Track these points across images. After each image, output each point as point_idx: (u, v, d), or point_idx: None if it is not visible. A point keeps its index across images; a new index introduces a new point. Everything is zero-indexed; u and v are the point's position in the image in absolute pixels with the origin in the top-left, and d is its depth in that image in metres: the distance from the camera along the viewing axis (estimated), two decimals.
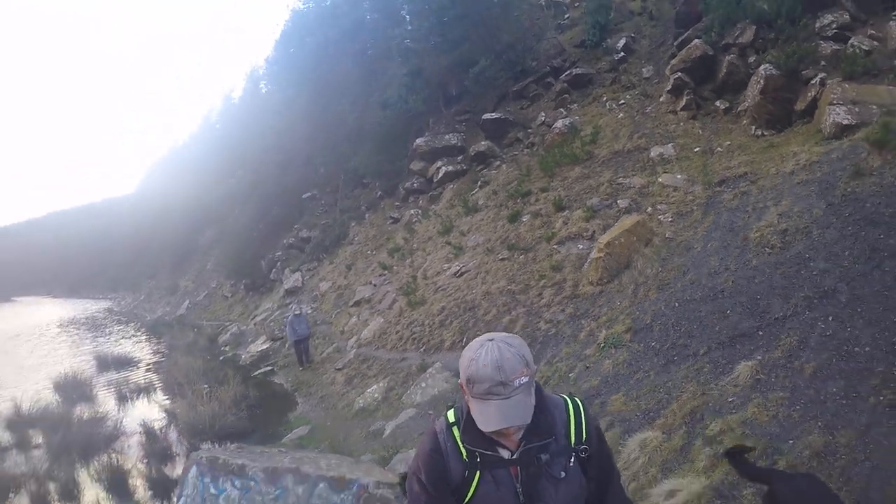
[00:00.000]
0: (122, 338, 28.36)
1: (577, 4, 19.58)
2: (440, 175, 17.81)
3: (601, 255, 8.12)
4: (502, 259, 11.00)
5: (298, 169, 27.36)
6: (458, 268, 12.28)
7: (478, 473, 1.53)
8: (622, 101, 14.11)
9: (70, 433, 9.75)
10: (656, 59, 14.94)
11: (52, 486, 8.14)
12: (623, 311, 7.04)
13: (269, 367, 15.66)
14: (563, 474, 1.54)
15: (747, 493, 3.43)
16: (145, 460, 8.95)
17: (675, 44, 13.52)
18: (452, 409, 1.62)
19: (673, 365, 5.45)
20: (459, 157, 17.72)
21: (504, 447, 1.53)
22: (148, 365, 18.91)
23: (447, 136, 18.30)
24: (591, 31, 16.76)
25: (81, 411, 11.67)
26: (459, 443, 1.55)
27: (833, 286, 5.22)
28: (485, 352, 1.43)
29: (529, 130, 16.16)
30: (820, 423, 3.74)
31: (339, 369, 12.06)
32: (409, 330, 11.20)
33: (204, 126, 67.48)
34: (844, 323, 4.67)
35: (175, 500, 5.50)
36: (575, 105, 15.57)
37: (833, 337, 4.60)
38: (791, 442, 3.72)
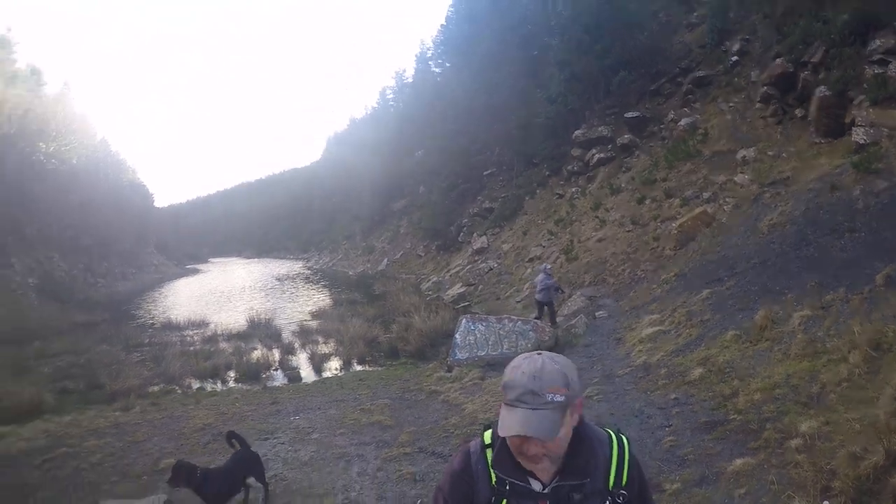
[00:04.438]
0: (340, 288, 38.51)
1: (704, 1, 23.87)
2: (594, 161, 24.34)
3: (676, 232, 14.64)
4: (627, 231, 17.68)
5: (479, 150, 35.12)
6: (600, 235, 19.10)
7: (504, 502, 1.57)
8: (731, 104, 19.40)
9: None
10: (764, 63, 19.89)
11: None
12: (678, 265, 13.62)
13: (466, 304, 23.14)
14: None
15: None
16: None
17: (772, 54, 18.35)
18: (489, 430, 1.65)
19: (688, 291, 12.07)
20: (609, 146, 24.04)
21: (536, 479, 1.54)
22: (380, 299, 27.77)
23: (599, 129, 24.71)
24: (710, 33, 21.89)
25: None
26: (490, 468, 1.59)
27: (777, 254, 11.44)
28: (528, 362, 1.50)
29: (662, 126, 22.01)
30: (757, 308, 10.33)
31: (518, 301, 19.46)
32: (565, 276, 18.28)
33: (381, 102, 77.92)
34: (782, 271, 10.91)
35: (455, 332, 13.00)
36: (697, 104, 21.03)
37: (776, 277, 10.91)
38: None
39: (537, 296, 14.30)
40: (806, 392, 6.17)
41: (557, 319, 14.14)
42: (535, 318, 13.95)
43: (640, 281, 14.59)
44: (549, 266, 15.63)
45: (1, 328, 23.49)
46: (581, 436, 1.57)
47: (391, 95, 74.35)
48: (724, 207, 15.04)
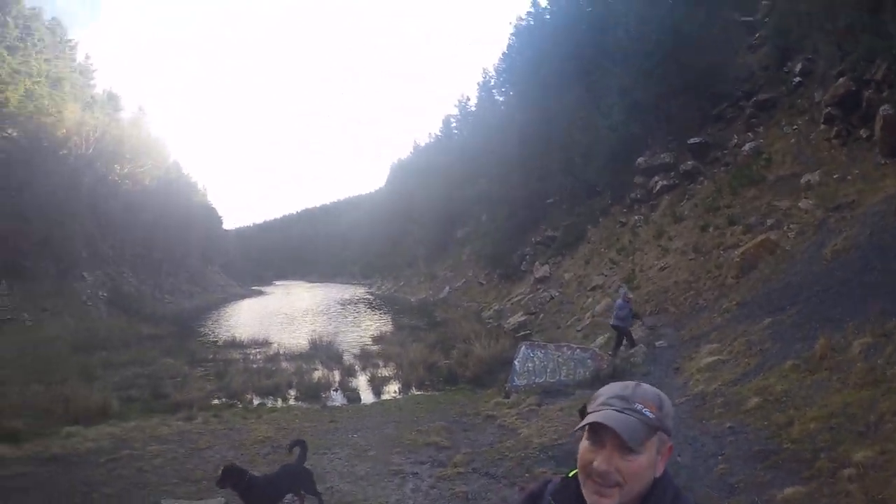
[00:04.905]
0: (402, 314, 39.18)
1: (766, 20, 23.84)
2: (657, 188, 24.21)
3: (738, 259, 14.50)
4: (689, 259, 17.57)
5: (540, 178, 35.31)
6: (662, 264, 19.00)
7: None
8: (795, 126, 19.08)
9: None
10: (827, 83, 19.44)
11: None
12: (740, 293, 13.48)
13: (526, 332, 23.15)
14: None
15: None
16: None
17: (835, 73, 17.82)
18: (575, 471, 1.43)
19: (749, 320, 11.95)
20: (672, 173, 23.88)
21: None
22: (441, 326, 28.18)
23: (662, 155, 24.61)
24: (772, 53, 21.63)
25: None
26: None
27: (840, 281, 11.20)
28: (621, 382, 1.45)
29: (725, 151, 21.75)
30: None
31: (578, 330, 19.45)
32: None
33: (444, 130, 79.46)
34: (845, 298, 10.68)
35: (514, 359, 13.28)
36: (761, 128, 20.75)
37: (839, 304, 10.74)
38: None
39: (613, 321, 14.16)
40: (863, 421, 6.19)
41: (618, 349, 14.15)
42: (616, 346, 14.02)
43: (701, 310, 14.51)
44: (627, 291, 15.25)
45: (72, 337, 24.92)
46: (663, 487, 1.39)
47: (454, 123, 75.72)
48: (788, 234, 14.84)
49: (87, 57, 56.56)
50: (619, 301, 14.06)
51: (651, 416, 1.36)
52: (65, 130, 43.41)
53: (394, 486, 7.76)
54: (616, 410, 1.35)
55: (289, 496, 6.81)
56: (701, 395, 9.17)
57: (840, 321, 8.97)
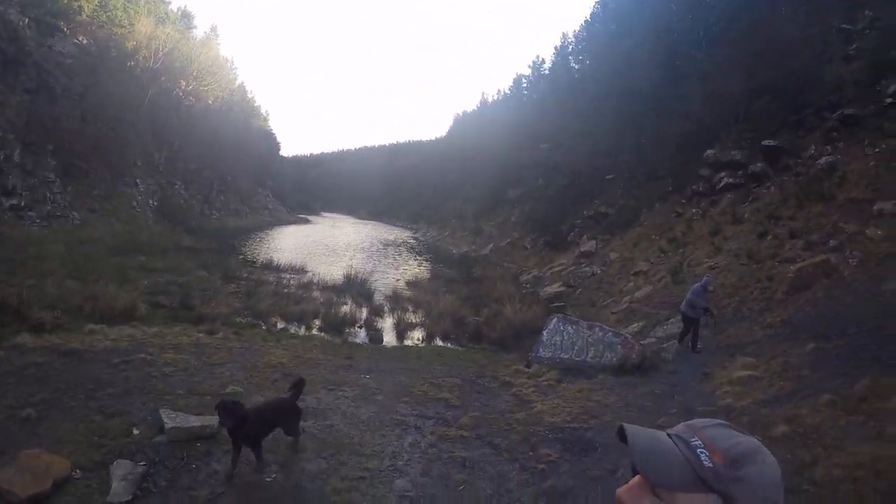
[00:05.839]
0: (441, 264, 39.39)
1: (866, 32, 22.43)
2: (721, 185, 23.46)
3: (792, 275, 14.04)
4: (741, 263, 17.09)
5: (605, 153, 34.56)
6: (712, 263, 18.55)
7: None
8: (877, 149, 18.04)
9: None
10: None
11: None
12: (787, 311, 13.10)
13: (561, 304, 22.77)
14: None
15: None
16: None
17: None
18: None
19: (791, 341, 11.64)
20: (739, 172, 23.06)
21: None
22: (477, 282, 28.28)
23: (732, 152, 23.74)
24: (867, 68, 20.19)
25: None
26: None
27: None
28: (720, 421, 1.09)
29: (798, 160, 20.85)
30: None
31: (613, 313, 19.26)
32: (667, 298, 17.95)
33: (514, 89, 78.11)
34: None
35: (543, 329, 13.15)
36: (840, 144, 19.69)
37: (890, 347, 10.38)
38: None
39: (683, 308, 12.85)
40: (889, 480, 5.96)
41: (647, 341, 13.88)
42: (682, 335, 13.10)
43: (742, 318, 14.17)
44: (711, 278, 13.81)
45: (114, 240, 25.98)
46: None
47: (525, 84, 74.32)
48: (850, 260, 14.26)
49: None
50: (697, 287, 12.79)
51: (707, 464, 0.99)
52: (134, 43, 44.80)
53: (393, 437, 7.71)
54: (666, 434, 1.06)
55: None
56: (727, 408, 8.98)
57: (889, 365, 8.67)
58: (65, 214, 30.78)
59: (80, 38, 38.03)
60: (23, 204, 27.43)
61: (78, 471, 5.88)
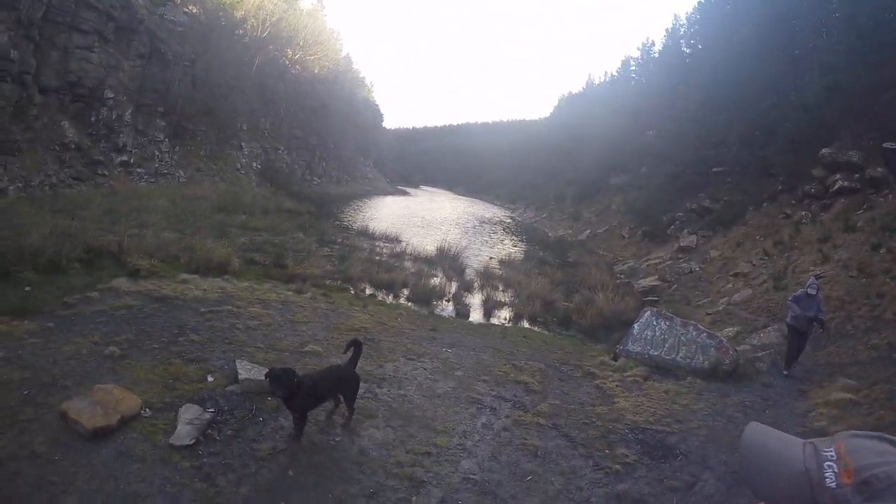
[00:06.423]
0: (536, 245, 39.45)
1: None
2: (835, 188, 22.05)
3: None
4: (850, 276, 16.33)
5: (714, 144, 33.25)
6: (818, 272, 17.80)
7: None
8: None
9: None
10: None
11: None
12: (894, 334, 12.53)
13: (654, 298, 22.09)
14: None
15: None
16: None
17: None
18: None
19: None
20: (856, 175, 21.60)
21: None
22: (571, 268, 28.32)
23: (850, 152, 22.24)
24: None
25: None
26: None
27: None
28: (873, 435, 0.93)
29: None
30: None
31: (708, 314, 18.88)
32: (767, 305, 17.44)
33: (622, 72, 75.91)
34: None
35: (634, 322, 12.86)
36: None
37: None
38: None
39: (789, 319, 11.68)
40: None
41: (741, 347, 13.43)
42: (789, 351, 11.82)
43: (846, 336, 13.65)
44: (817, 281, 12.12)
45: (218, 198, 27.31)
46: None
47: (633, 67, 72.09)
48: None
49: None
50: (800, 292, 11.56)
51: (830, 482, 0.82)
52: (242, 12, 46.78)
53: (467, 415, 7.50)
54: (799, 440, 0.90)
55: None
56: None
57: None
58: (171, 172, 33.25)
59: (191, 8, 40.15)
60: (132, 161, 29.76)
61: (147, 409, 6.07)
